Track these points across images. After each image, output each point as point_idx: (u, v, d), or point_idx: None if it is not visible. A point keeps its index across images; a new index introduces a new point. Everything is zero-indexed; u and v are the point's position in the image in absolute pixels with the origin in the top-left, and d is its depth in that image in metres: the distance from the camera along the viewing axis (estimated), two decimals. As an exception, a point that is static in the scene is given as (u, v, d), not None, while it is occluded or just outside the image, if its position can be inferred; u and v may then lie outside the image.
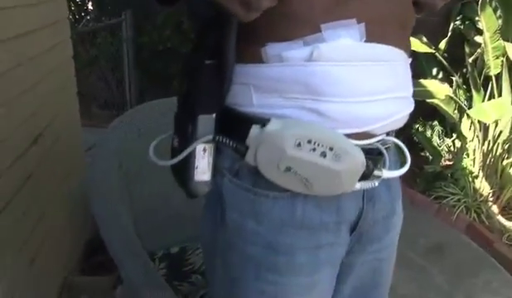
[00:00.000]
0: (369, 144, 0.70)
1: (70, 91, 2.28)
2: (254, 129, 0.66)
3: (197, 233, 0.86)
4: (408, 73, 0.75)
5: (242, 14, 0.61)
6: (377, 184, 0.70)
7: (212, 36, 0.68)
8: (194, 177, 0.70)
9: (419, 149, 3.48)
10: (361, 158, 0.66)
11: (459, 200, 2.89)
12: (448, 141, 3.47)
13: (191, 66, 0.71)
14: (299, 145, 0.63)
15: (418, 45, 2.96)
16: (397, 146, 0.78)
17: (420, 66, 3.25)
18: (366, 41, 0.66)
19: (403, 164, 0.76)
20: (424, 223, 2.85)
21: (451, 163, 3.31)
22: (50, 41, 1.97)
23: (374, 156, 0.70)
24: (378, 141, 0.71)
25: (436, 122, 3.56)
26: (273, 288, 0.73)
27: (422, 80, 2.90)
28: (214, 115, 0.69)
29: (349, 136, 0.66)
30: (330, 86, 0.65)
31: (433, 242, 2.68)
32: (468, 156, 3.13)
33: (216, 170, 0.72)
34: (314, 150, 0.63)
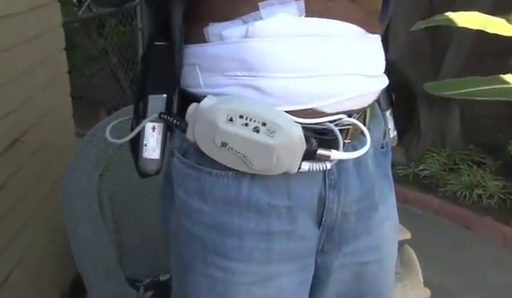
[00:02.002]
0: (318, 123, 0.82)
1: (61, 90, 2.41)
2: (192, 106, 0.82)
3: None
4: (369, 49, 0.87)
5: None
6: (329, 166, 0.83)
7: (161, 18, 0.85)
8: (142, 154, 0.87)
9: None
10: (298, 134, 0.79)
11: None
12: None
13: (145, 48, 0.90)
14: (231, 120, 0.78)
15: (504, 26, 2.57)
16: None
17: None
18: (307, 17, 0.79)
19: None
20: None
21: None
22: (36, 29, 2.11)
23: (329, 136, 0.83)
24: (332, 122, 0.83)
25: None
26: (221, 274, 0.87)
27: (504, 75, 2.65)
28: (164, 95, 0.86)
29: (291, 112, 0.80)
30: (266, 61, 0.79)
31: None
32: None
33: (169, 150, 0.89)
34: (246, 125, 0.78)
